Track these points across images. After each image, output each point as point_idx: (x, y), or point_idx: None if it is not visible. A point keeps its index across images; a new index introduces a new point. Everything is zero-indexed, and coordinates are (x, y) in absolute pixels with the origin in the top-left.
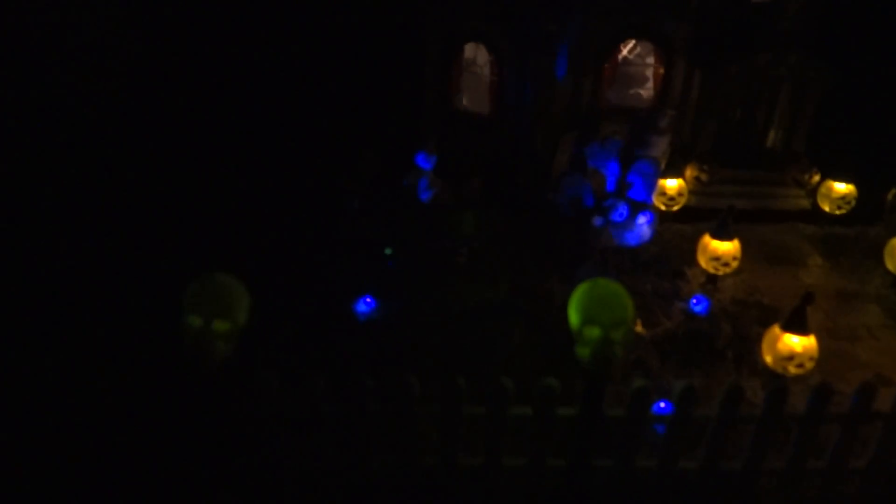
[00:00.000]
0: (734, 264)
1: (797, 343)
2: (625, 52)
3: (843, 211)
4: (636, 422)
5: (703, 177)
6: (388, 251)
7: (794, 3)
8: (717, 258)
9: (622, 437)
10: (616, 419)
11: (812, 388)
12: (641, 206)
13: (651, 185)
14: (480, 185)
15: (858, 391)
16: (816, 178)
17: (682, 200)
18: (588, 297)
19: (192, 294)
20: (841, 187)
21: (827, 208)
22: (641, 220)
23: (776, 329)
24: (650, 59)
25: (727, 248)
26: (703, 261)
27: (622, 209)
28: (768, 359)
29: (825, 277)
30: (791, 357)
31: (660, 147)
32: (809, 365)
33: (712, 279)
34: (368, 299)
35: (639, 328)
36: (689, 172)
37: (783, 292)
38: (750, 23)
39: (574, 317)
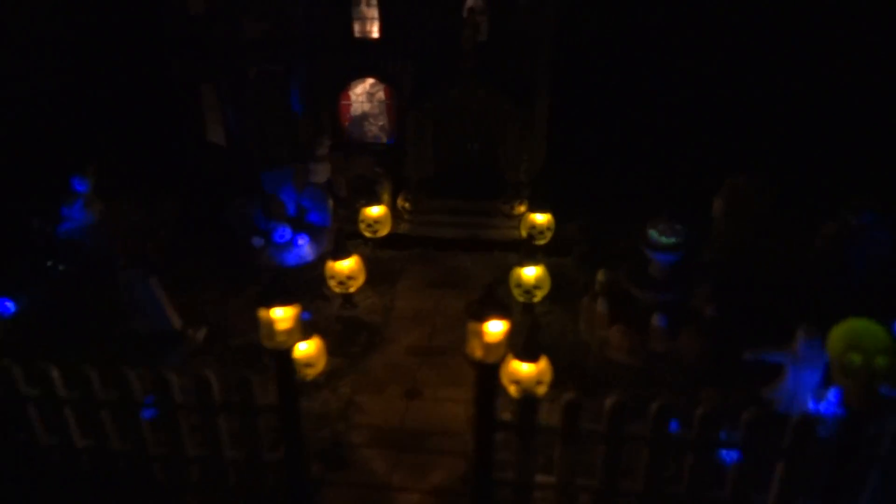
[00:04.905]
0: (351, 283)
1: (303, 350)
2: (363, 90)
3: (541, 241)
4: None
5: (408, 206)
6: None
7: (469, 42)
8: (332, 276)
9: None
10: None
11: None
12: (317, 229)
13: (323, 209)
14: (175, 204)
15: None
16: (522, 209)
17: (385, 228)
18: None
19: None
20: (539, 218)
21: (526, 237)
22: (301, 241)
23: None
24: (382, 96)
25: (342, 267)
26: (328, 280)
27: (283, 231)
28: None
29: (465, 300)
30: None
31: (321, 173)
32: (319, 367)
33: (348, 298)
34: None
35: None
36: (399, 202)
37: (399, 314)
38: (447, 63)
39: None
